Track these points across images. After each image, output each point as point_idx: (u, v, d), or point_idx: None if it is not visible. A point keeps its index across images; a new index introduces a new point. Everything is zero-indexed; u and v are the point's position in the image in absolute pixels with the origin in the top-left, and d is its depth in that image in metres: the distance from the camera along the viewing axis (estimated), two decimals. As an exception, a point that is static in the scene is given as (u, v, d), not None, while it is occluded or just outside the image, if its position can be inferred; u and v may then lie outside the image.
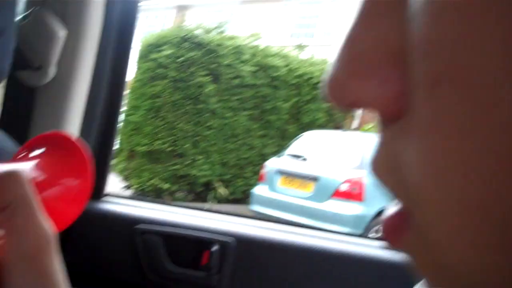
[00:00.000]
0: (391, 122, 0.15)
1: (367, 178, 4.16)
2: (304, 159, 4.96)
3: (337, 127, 7.08)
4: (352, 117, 7.43)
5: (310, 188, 4.61)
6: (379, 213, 4.08)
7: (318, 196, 4.50)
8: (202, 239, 0.97)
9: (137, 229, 0.99)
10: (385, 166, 0.15)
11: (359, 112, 6.51)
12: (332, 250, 0.94)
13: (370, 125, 6.16)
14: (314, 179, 4.60)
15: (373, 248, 0.94)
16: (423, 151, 0.13)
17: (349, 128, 7.21)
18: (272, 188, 4.93)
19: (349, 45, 0.15)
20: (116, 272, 1.02)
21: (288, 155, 5.17)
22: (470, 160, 0.12)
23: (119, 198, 1.07)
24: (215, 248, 0.95)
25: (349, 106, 0.16)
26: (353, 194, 4.30)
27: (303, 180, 4.68)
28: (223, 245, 0.95)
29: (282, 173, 4.89)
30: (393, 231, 0.16)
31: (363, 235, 3.91)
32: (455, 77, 0.12)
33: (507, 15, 0.11)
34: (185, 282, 0.96)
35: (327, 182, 4.49)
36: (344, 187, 4.39)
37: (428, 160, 0.13)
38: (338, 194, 4.40)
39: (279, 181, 4.88)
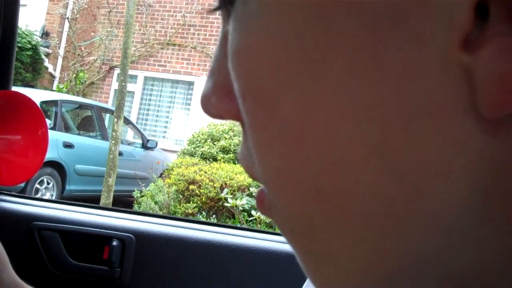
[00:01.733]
0: (243, 127, 0.22)
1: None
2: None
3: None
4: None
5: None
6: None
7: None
8: (102, 235, 1.04)
9: (34, 225, 1.04)
10: (246, 160, 0.23)
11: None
12: (228, 243, 1.05)
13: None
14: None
15: (267, 241, 1.07)
16: (255, 153, 0.21)
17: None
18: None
19: (212, 76, 0.23)
20: (19, 269, 1.04)
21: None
22: (276, 153, 0.19)
23: (14, 196, 1.11)
24: (115, 243, 1.03)
25: (215, 117, 0.24)
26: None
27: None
28: (123, 240, 1.04)
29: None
30: (260, 201, 0.23)
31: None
32: (248, 90, 0.20)
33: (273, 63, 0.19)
34: (89, 275, 1.03)
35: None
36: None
37: (259, 160, 0.21)
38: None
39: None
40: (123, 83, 5.23)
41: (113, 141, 5.13)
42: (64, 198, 5.52)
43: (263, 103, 0.19)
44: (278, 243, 1.06)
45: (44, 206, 1.10)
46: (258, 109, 0.20)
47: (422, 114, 0.16)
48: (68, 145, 5.88)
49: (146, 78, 9.07)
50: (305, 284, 0.34)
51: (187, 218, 1.54)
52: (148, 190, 5.16)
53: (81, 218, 1.07)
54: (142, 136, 7.14)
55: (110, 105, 8.22)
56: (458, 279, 0.18)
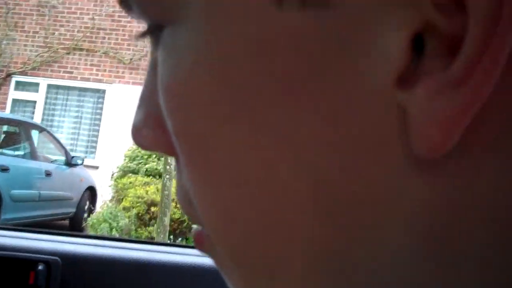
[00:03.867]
0: (178, 158, 0.22)
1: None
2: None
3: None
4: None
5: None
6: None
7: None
8: (26, 259, 1.06)
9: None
10: (182, 200, 0.23)
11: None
12: (161, 261, 1.10)
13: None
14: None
15: (195, 257, 1.13)
16: (192, 193, 0.21)
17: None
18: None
19: (143, 105, 0.23)
20: None
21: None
22: (214, 195, 0.20)
23: None
24: (40, 267, 1.05)
25: (147, 149, 0.24)
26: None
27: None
28: (49, 264, 1.06)
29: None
30: (199, 242, 0.23)
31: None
32: (181, 132, 0.20)
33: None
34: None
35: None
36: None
37: (196, 201, 0.21)
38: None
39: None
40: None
41: (167, 176, 4.52)
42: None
43: (197, 144, 0.20)
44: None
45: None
46: (192, 150, 0.20)
47: (359, 153, 0.17)
48: (4, 169, 5.41)
49: (49, 86, 8.70)
50: None
51: (115, 237, 1.54)
52: (97, 214, 4.94)
53: (3, 243, 1.09)
54: (66, 152, 6.79)
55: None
56: None
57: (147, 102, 0.23)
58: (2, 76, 8.71)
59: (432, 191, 0.17)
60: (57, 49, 8.70)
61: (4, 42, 8.57)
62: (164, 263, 1.10)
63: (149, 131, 0.23)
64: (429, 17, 0.15)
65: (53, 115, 8.75)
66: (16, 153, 6.06)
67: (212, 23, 0.18)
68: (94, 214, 5.10)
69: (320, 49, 0.16)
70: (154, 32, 0.22)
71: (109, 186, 6.34)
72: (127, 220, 4.60)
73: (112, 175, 5.88)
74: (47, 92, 8.74)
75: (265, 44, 0.17)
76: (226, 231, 0.20)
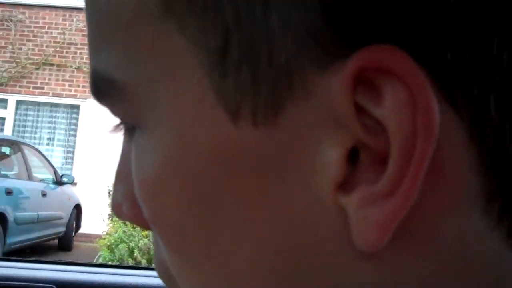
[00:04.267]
0: (155, 237, 0.26)
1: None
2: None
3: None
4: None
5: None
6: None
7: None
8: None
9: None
10: (162, 271, 0.26)
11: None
12: (156, 287, 1.13)
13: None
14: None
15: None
16: (170, 266, 0.24)
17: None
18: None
19: (120, 181, 0.27)
20: None
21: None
22: (189, 272, 0.23)
23: None
24: None
25: (128, 221, 0.27)
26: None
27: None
28: None
29: None
30: None
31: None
32: (155, 220, 0.23)
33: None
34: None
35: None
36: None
37: (176, 276, 0.24)
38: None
39: None
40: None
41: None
42: (5, 254, 4.94)
43: (171, 229, 0.22)
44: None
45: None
46: (166, 234, 0.23)
47: (306, 249, 0.20)
48: (9, 192, 5.34)
49: (18, 102, 8.57)
50: None
51: (110, 264, 1.60)
52: (110, 235, 4.78)
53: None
54: (54, 170, 6.70)
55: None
56: None
57: (125, 180, 0.26)
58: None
59: (375, 276, 0.19)
60: (26, 64, 8.57)
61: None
62: None
63: (128, 209, 0.26)
64: (360, 137, 0.18)
65: (24, 131, 8.62)
66: (13, 173, 5.97)
67: (176, 133, 0.21)
68: (105, 234, 5.03)
69: (269, 163, 0.19)
70: (127, 128, 0.25)
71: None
72: (146, 239, 4.50)
73: (109, 192, 5.90)
74: (17, 109, 8.59)
75: (222, 153, 0.20)
76: None
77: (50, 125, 8.67)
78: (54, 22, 8.69)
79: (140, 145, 0.23)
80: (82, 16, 8.30)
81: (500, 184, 0.19)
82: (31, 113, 8.65)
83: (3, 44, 8.61)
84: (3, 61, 8.52)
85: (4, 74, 8.42)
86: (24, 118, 8.65)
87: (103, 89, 0.23)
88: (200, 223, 0.21)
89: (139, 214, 0.24)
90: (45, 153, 7.32)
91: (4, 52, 8.57)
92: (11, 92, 8.55)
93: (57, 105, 8.61)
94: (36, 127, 8.63)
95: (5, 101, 8.53)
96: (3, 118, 8.48)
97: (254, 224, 0.20)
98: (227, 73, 0.19)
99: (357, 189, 0.18)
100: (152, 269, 1.21)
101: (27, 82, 8.61)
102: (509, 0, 0.17)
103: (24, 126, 8.62)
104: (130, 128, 0.24)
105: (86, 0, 0.24)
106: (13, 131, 8.53)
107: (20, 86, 8.56)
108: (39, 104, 8.65)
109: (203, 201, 0.21)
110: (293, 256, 0.20)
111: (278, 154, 0.19)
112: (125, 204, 0.26)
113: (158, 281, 1.01)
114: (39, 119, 8.66)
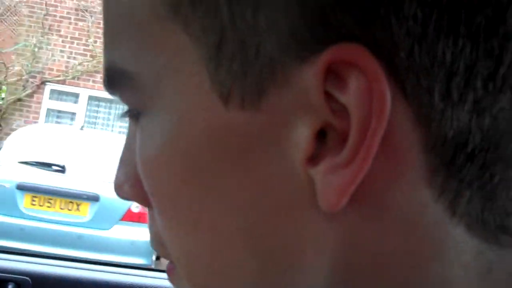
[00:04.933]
0: (151, 209, 0.30)
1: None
2: (62, 170, 4.23)
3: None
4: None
5: (86, 211, 4.01)
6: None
7: (100, 221, 3.96)
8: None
9: None
10: (156, 241, 0.31)
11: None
12: (130, 285, 1.15)
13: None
14: (92, 198, 4.02)
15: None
16: (164, 235, 0.28)
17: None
18: (12, 211, 3.98)
19: (124, 164, 0.31)
20: None
21: (29, 162, 4.24)
22: (180, 238, 0.27)
23: None
24: (10, 287, 1.09)
25: (127, 199, 0.32)
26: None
27: (72, 200, 4.04)
28: (18, 284, 1.11)
29: (27, 189, 4.01)
30: (170, 273, 0.31)
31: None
32: (155, 192, 0.28)
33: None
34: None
35: (111, 202, 3.92)
36: (136, 208, 3.95)
37: (167, 242, 0.28)
38: (129, 217, 3.97)
39: (23, 201, 4.01)
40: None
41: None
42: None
43: (167, 201, 0.27)
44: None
45: None
46: (163, 205, 0.28)
47: (281, 211, 0.24)
48: None
49: (90, 98, 8.29)
50: None
51: (85, 259, 1.75)
52: None
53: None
54: None
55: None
56: None
57: (127, 162, 0.31)
58: (37, 83, 8.24)
59: (340, 233, 0.24)
60: (101, 58, 8.29)
61: (36, 46, 8.06)
62: (134, 287, 1.15)
63: (129, 187, 0.31)
64: (327, 119, 0.22)
65: (94, 128, 8.34)
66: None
67: (177, 116, 0.25)
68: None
69: (253, 140, 0.24)
70: (134, 114, 0.29)
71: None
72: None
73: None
74: (88, 104, 8.32)
75: (215, 133, 0.24)
76: (190, 267, 0.28)
77: (121, 123, 8.38)
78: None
79: (144, 128, 0.27)
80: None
81: (442, 161, 0.23)
82: (103, 110, 8.36)
83: (77, 36, 8.32)
84: (76, 53, 8.24)
85: (78, 67, 8.13)
86: (95, 114, 8.37)
87: (117, 79, 0.27)
88: (192, 195, 0.26)
89: (140, 192, 0.29)
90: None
91: (78, 44, 8.28)
92: (83, 87, 8.26)
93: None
94: (107, 125, 8.34)
95: (76, 95, 8.26)
96: (74, 113, 8.22)
97: (238, 195, 0.25)
98: (221, 64, 0.23)
99: (323, 161, 0.23)
100: (126, 267, 1.27)
101: (101, 77, 8.33)
102: (452, 10, 0.21)
103: (95, 124, 8.33)
104: (136, 114, 0.28)
105: (103, 2, 0.28)
106: (83, 127, 8.27)
107: (93, 81, 8.28)
108: (111, 101, 8.36)
109: (196, 175, 0.25)
110: (270, 219, 0.24)
111: (261, 132, 0.24)
112: (127, 183, 0.31)
113: (130, 279, 1.08)
114: (111, 116, 8.38)
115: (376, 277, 0.24)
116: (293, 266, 0.25)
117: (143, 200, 0.29)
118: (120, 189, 0.31)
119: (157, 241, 0.30)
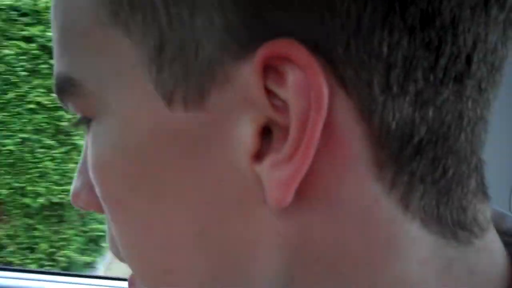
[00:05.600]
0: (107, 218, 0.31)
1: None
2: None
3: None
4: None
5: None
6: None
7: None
8: None
9: None
10: (113, 247, 0.31)
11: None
12: None
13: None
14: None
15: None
16: (117, 241, 0.29)
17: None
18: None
19: (81, 175, 0.31)
20: None
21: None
22: (132, 242, 0.28)
23: None
24: None
25: (83, 208, 0.32)
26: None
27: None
28: None
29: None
30: (131, 284, 0.32)
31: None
32: (105, 198, 0.28)
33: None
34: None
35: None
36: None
37: (121, 247, 0.29)
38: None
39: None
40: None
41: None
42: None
43: (117, 205, 0.28)
44: None
45: None
46: (113, 210, 0.28)
47: (232, 210, 0.24)
48: None
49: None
50: None
51: (40, 270, 1.73)
52: None
53: None
54: None
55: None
56: None
57: (85, 172, 0.30)
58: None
59: (289, 228, 0.24)
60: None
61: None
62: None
63: (85, 195, 0.31)
64: (270, 115, 0.22)
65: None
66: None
67: (123, 121, 0.26)
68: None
69: (198, 140, 0.24)
70: (85, 122, 0.29)
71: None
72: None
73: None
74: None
75: (161, 135, 0.25)
76: (142, 271, 0.29)
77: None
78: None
79: (93, 134, 0.27)
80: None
81: (390, 154, 0.23)
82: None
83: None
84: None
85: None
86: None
87: (65, 87, 0.27)
88: (141, 199, 0.26)
89: (95, 199, 0.29)
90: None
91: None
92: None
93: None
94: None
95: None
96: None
97: (188, 196, 0.25)
98: (163, 66, 0.24)
99: (268, 157, 0.23)
100: (81, 276, 1.21)
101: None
102: (386, 2, 0.21)
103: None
104: (87, 122, 0.28)
105: (51, 11, 0.28)
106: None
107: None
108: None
109: (144, 179, 0.26)
110: (222, 218, 0.25)
111: (205, 132, 0.24)
112: (83, 192, 0.31)
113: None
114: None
115: (326, 273, 0.24)
116: (247, 263, 0.25)
117: (98, 207, 0.30)
118: (77, 198, 0.32)
119: (113, 245, 0.30)
